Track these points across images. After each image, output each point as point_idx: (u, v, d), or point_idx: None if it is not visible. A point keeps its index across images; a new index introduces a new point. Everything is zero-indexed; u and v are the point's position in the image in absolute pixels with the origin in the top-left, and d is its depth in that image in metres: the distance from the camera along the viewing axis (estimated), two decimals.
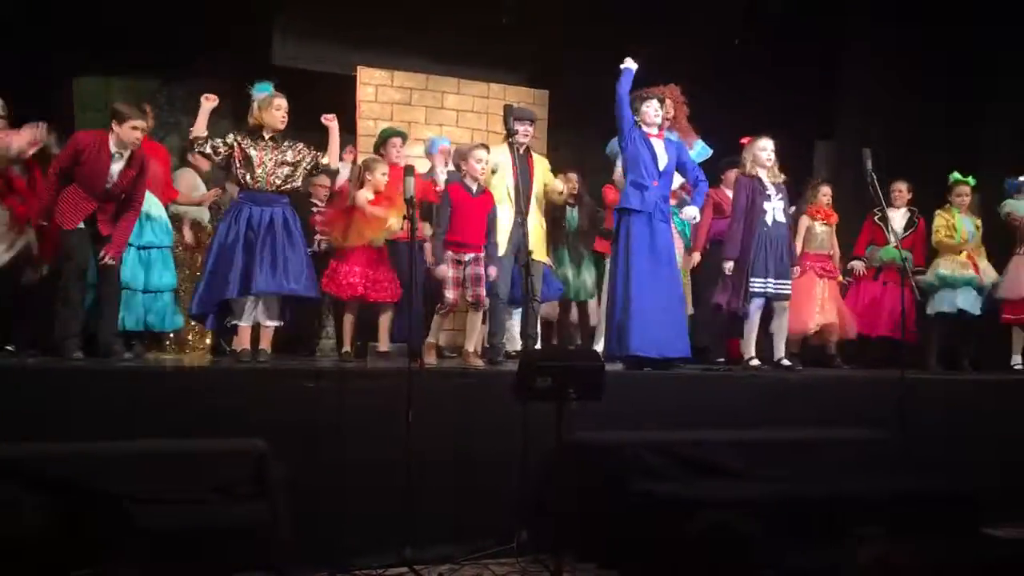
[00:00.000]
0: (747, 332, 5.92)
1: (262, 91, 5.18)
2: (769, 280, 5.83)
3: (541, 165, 6.17)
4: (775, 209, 5.89)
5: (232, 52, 7.45)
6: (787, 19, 8.20)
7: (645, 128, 5.65)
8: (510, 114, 5.59)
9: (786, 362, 5.93)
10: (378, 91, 8.03)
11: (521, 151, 5.87)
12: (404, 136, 6.47)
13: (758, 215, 5.86)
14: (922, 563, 2.56)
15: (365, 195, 5.58)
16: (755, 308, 5.90)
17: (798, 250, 6.48)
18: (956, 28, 8.00)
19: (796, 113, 7.12)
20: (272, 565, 3.66)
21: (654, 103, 5.67)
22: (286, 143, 5.17)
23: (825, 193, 6.88)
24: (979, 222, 6.97)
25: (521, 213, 5.56)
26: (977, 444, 5.52)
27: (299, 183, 5.24)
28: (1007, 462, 5.58)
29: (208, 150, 5.09)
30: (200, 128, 5.09)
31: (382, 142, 6.33)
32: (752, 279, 5.85)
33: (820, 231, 6.82)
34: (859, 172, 5.51)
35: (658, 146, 5.65)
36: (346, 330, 5.64)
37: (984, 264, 6.89)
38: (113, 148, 4.96)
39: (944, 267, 6.82)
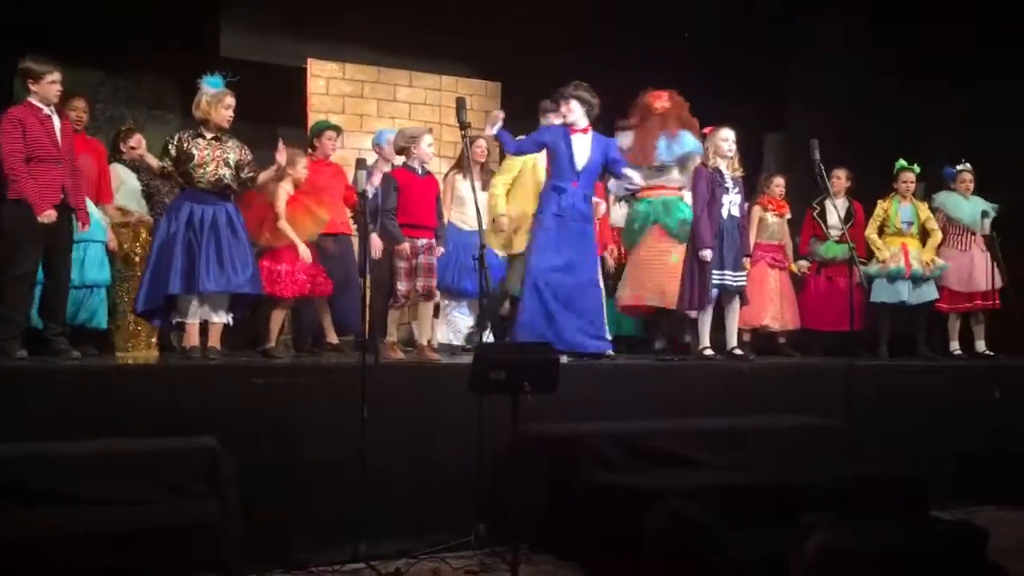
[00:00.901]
0: (701, 324, 5.95)
1: (213, 86, 5.06)
2: (726, 272, 5.83)
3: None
4: (731, 203, 5.88)
5: (179, 43, 7.32)
6: (736, 12, 8.27)
7: (565, 123, 5.45)
8: (463, 107, 5.42)
9: (738, 351, 5.98)
10: (329, 84, 7.97)
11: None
12: (339, 129, 6.41)
13: (717, 207, 5.82)
14: (870, 547, 2.61)
15: (285, 189, 5.47)
16: (710, 300, 5.91)
17: (751, 241, 6.54)
18: (907, 22, 8.14)
19: (746, 105, 7.18)
20: (224, 564, 3.61)
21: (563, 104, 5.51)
22: (231, 143, 5.07)
23: (778, 184, 6.99)
24: (924, 208, 7.07)
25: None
26: (923, 428, 5.64)
27: (236, 187, 5.08)
28: (952, 445, 5.71)
29: (171, 169, 5.01)
30: (154, 162, 5.05)
31: (316, 135, 6.27)
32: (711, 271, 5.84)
33: (772, 222, 6.93)
34: (809, 164, 5.57)
35: (579, 144, 5.46)
36: (275, 326, 5.52)
37: (922, 251, 6.94)
38: (43, 108, 4.84)
39: (876, 261, 6.93)
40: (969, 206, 7.00)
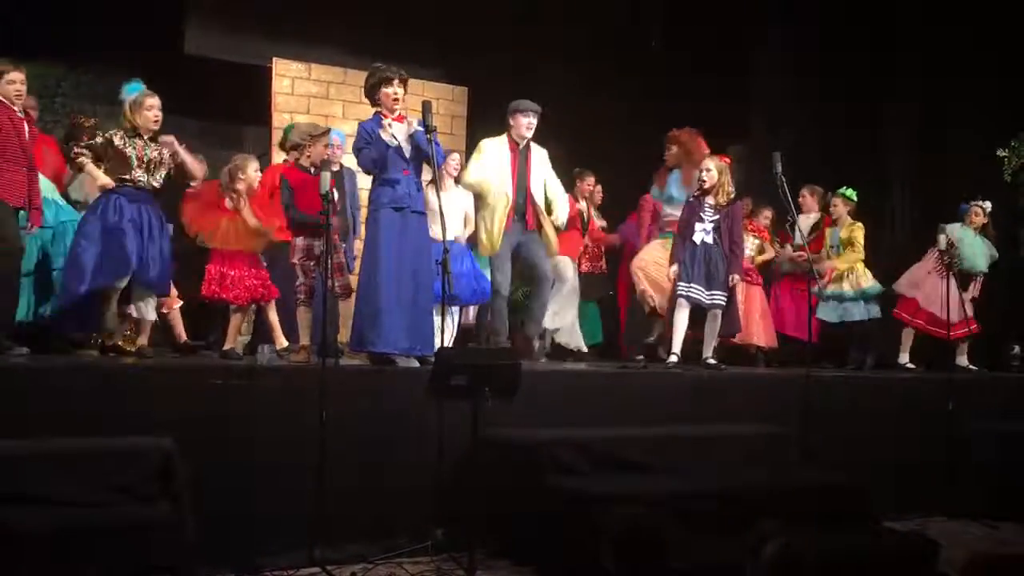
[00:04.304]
0: (674, 333, 6.06)
1: (132, 91, 5.02)
2: (693, 285, 5.97)
3: (539, 155, 6.09)
4: (704, 231, 6.08)
5: (143, 39, 7.24)
6: (698, 23, 8.36)
7: (385, 113, 5.17)
8: (429, 111, 5.32)
9: (712, 361, 6.06)
10: (295, 84, 7.92)
11: (522, 146, 5.83)
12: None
13: (690, 232, 6.12)
14: (823, 554, 2.64)
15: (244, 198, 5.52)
16: (679, 310, 6.02)
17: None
18: (863, 32, 8.31)
19: (708, 116, 7.25)
20: (178, 567, 3.56)
21: (395, 84, 5.17)
22: (154, 144, 5.05)
23: (767, 216, 7.28)
24: (846, 228, 7.14)
25: (519, 211, 5.72)
26: (877, 438, 5.73)
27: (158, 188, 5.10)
28: (906, 456, 5.80)
29: (87, 152, 4.94)
30: (103, 179, 4.93)
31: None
32: (679, 283, 6.04)
33: (754, 244, 7.17)
34: (770, 176, 5.64)
35: (399, 132, 5.13)
36: (234, 330, 5.54)
37: (854, 273, 7.12)
38: (15, 109, 4.82)
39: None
40: (975, 244, 7.01)
